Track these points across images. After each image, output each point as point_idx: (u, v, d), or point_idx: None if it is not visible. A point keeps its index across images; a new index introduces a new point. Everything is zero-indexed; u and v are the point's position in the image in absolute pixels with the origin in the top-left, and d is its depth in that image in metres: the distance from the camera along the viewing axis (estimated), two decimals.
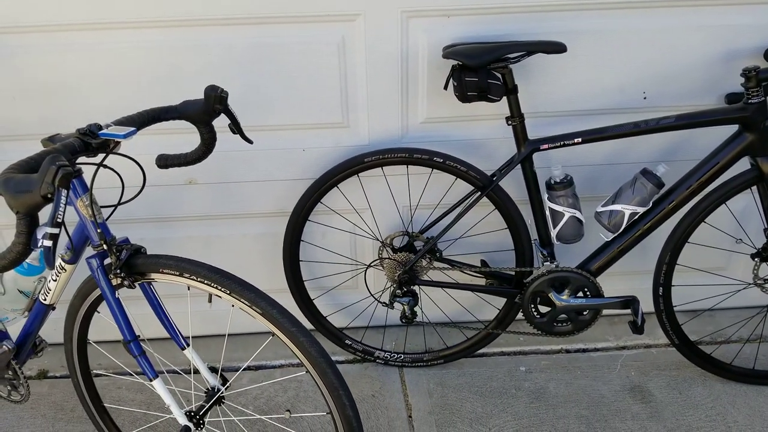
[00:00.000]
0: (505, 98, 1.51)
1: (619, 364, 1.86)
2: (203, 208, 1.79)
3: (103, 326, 1.41)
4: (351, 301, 1.98)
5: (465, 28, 1.56)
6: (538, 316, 1.67)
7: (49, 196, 0.83)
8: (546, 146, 1.53)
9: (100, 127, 1.02)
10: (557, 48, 1.46)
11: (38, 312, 1.36)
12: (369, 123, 1.68)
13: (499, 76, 1.48)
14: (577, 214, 1.58)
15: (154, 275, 1.14)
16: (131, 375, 1.79)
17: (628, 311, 1.64)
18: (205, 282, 1.11)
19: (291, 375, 1.84)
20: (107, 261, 1.14)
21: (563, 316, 1.65)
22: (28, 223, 0.84)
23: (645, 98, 1.68)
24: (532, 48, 1.46)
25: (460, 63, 1.48)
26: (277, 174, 1.74)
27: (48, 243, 0.84)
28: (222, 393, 1.28)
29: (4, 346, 1.38)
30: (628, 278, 1.96)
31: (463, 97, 1.50)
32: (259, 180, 1.75)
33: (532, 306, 1.66)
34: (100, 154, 1.04)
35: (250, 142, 1.28)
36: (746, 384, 1.76)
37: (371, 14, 1.53)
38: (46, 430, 1.68)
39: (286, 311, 1.11)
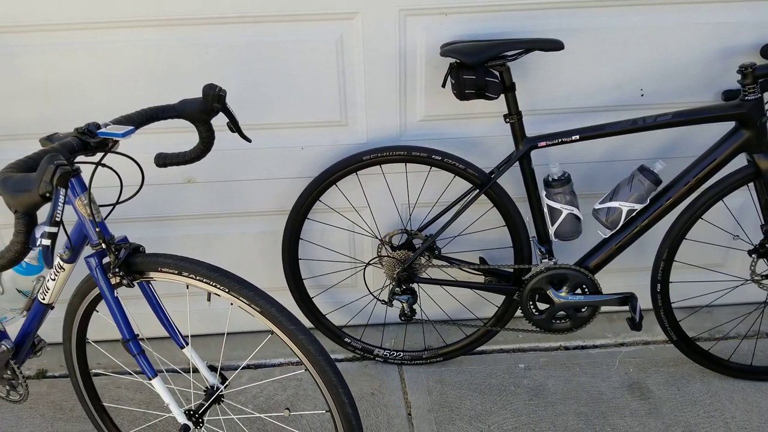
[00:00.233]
0: (502, 96, 1.52)
1: (617, 360, 1.87)
2: (202, 206, 1.79)
3: (102, 325, 1.41)
4: (350, 299, 1.98)
5: (463, 26, 1.56)
6: (537, 313, 1.67)
7: (48, 195, 0.83)
8: (544, 144, 1.53)
9: (98, 126, 1.02)
10: (554, 45, 1.46)
11: (37, 311, 1.36)
12: (367, 121, 1.68)
13: (497, 73, 1.49)
14: (575, 211, 1.58)
15: (152, 274, 1.14)
16: (130, 374, 1.79)
17: (627, 308, 1.65)
18: (204, 280, 1.11)
19: (290, 373, 1.84)
20: (106, 260, 1.14)
21: (562, 313, 1.66)
22: (27, 222, 0.84)
23: (642, 95, 1.69)
24: (529, 46, 1.46)
25: (458, 61, 1.48)
26: (276, 172, 1.74)
27: (46, 242, 0.84)
28: (221, 391, 1.29)
29: (2, 346, 1.38)
30: (626, 275, 1.97)
31: (461, 94, 1.50)
32: (257, 178, 1.75)
33: (531, 303, 1.66)
34: (98, 153, 1.04)
35: (248, 140, 1.28)
36: (744, 380, 1.76)
37: (369, 13, 1.53)
38: (45, 430, 1.68)
39: (285, 309, 1.12)
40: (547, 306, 1.66)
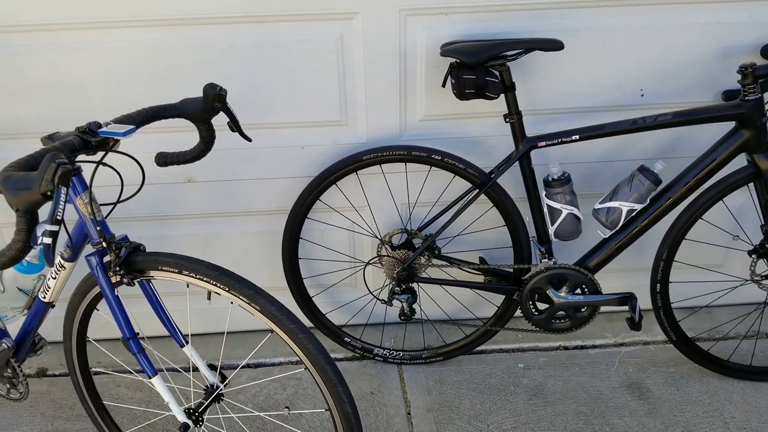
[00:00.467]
0: (502, 96, 1.52)
1: (616, 360, 1.87)
2: (202, 206, 1.79)
3: (102, 324, 1.41)
4: (350, 298, 1.98)
5: (463, 26, 1.56)
6: (537, 313, 1.67)
7: (49, 193, 0.83)
8: (544, 143, 1.53)
9: (99, 125, 1.02)
10: (554, 45, 1.46)
11: (37, 310, 1.37)
12: (367, 121, 1.68)
13: (497, 73, 1.49)
14: (575, 211, 1.58)
15: (153, 272, 1.15)
16: (130, 373, 1.79)
17: (626, 308, 1.65)
18: (204, 279, 1.11)
19: (290, 372, 1.85)
20: (106, 258, 1.14)
21: (561, 312, 1.66)
22: (28, 220, 0.84)
23: (642, 95, 1.69)
24: (529, 45, 1.46)
25: (458, 61, 1.48)
26: (276, 172, 1.74)
27: (47, 240, 0.84)
28: (221, 390, 1.29)
29: (3, 344, 1.38)
30: (626, 275, 1.97)
31: (461, 94, 1.51)
32: (258, 178, 1.75)
33: (531, 303, 1.66)
34: (99, 152, 1.04)
35: (249, 140, 1.28)
36: (743, 380, 1.77)
37: (370, 12, 1.53)
38: (45, 428, 1.68)
39: (285, 308, 1.12)
40: (547, 306, 1.67)
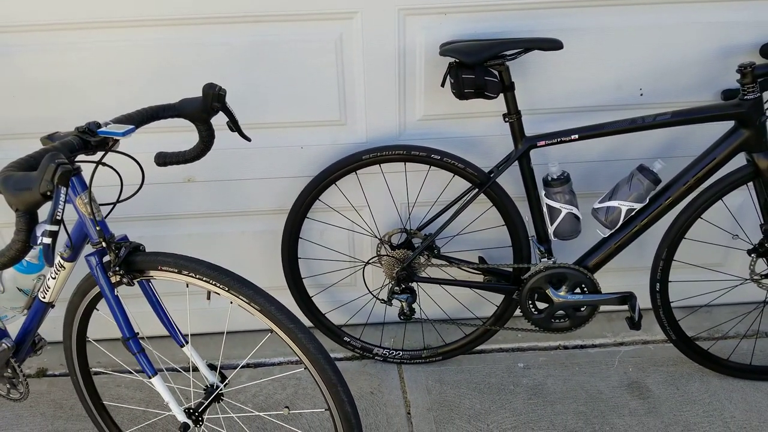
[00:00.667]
0: (502, 95, 1.52)
1: (616, 360, 1.87)
2: (202, 205, 1.79)
3: (102, 324, 1.41)
4: (349, 298, 1.98)
5: (462, 26, 1.56)
6: (536, 313, 1.68)
7: (49, 193, 0.83)
8: (543, 143, 1.53)
9: (99, 125, 1.02)
10: (554, 45, 1.46)
11: (37, 310, 1.37)
12: (366, 120, 1.69)
13: (496, 73, 1.49)
14: (575, 211, 1.58)
15: (152, 272, 1.15)
16: (130, 373, 1.79)
17: (626, 307, 1.65)
18: (204, 279, 1.11)
19: (290, 372, 1.85)
20: (106, 258, 1.14)
21: (561, 312, 1.66)
22: (28, 220, 0.84)
23: (641, 95, 1.69)
24: (528, 45, 1.46)
25: (457, 60, 1.48)
26: (276, 172, 1.74)
27: (47, 240, 0.84)
28: (221, 390, 1.29)
29: (3, 344, 1.38)
30: (626, 274, 1.97)
31: (460, 94, 1.51)
32: (257, 178, 1.75)
33: (530, 302, 1.66)
34: (99, 152, 1.04)
35: (248, 139, 1.28)
36: (743, 379, 1.77)
37: (368, 12, 1.54)
38: (45, 428, 1.68)
39: (285, 308, 1.12)
40: (547, 305, 1.67)
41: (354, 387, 1.78)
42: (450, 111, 1.68)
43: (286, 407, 1.39)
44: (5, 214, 1.74)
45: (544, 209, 1.62)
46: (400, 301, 1.71)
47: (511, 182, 1.73)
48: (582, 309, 1.66)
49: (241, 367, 1.87)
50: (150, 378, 1.20)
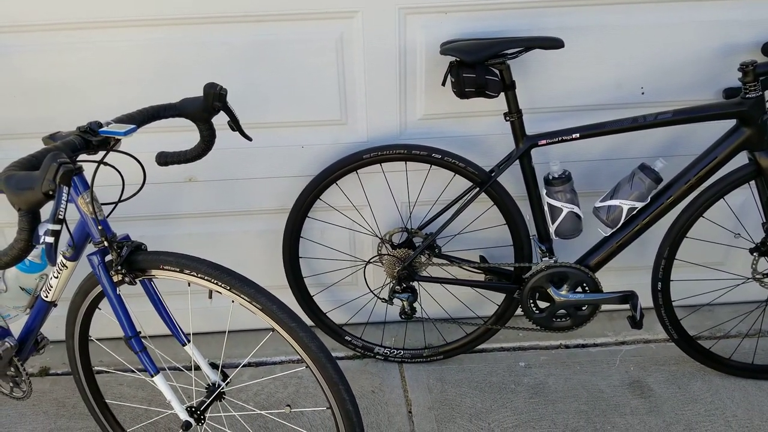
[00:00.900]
0: (502, 94, 1.52)
1: (618, 359, 1.87)
2: (203, 205, 1.80)
3: (104, 323, 1.42)
4: (350, 297, 1.99)
5: (462, 25, 1.56)
6: (537, 312, 1.68)
7: (51, 193, 0.84)
8: (544, 142, 1.53)
9: (100, 125, 1.03)
10: (555, 44, 1.46)
11: (40, 309, 1.37)
12: (367, 120, 1.69)
13: (497, 72, 1.49)
14: (576, 210, 1.58)
15: (154, 272, 1.15)
16: (133, 371, 1.80)
17: (627, 306, 1.65)
18: (206, 278, 1.12)
19: (291, 371, 1.85)
20: (108, 258, 1.15)
21: (562, 311, 1.66)
22: (30, 220, 0.85)
23: (643, 93, 1.69)
24: (529, 44, 1.46)
25: (458, 59, 1.48)
26: (277, 171, 1.75)
27: (50, 239, 0.85)
28: (223, 389, 1.29)
29: (6, 343, 1.39)
30: (627, 273, 1.97)
31: (461, 93, 1.51)
32: (258, 177, 1.75)
33: (531, 301, 1.66)
34: (100, 152, 1.04)
35: (249, 139, 1.28)
36: (745, 378, 1.76)
37: (369, 11, 1.54)
38: (47, 427, 1.69)
39: (286, 307, 1.12)
40: (548, 304, 1.67)
41: (355, 386, 1.78)
42: (451, 110, 1.68)
43: (288, 406, 1.39)
44: (7, 213, 1.74)
45: (546, 208, 1.61)
46: (401, 300, 1.71)
47: (512, 181, 1.73)
48: (583, 308, 1.66)
49: (243, 366, 1.87)
50: (152, 377, 1.20)
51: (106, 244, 1.13)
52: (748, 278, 1.67)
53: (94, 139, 1.01)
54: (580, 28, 1.58)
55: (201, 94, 1.18)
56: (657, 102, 1.70)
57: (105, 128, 1.03)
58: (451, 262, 1.72)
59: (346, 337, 1.88)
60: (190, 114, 1.18)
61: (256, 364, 1.91)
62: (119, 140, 1.05)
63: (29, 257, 1.35)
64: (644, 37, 1.60)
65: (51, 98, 1.60)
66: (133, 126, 1.03)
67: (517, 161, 1.57)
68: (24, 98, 1.60)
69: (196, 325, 1.97)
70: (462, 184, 1.66)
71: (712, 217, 1.73)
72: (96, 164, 1.05)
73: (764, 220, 1.58)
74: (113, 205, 1.13)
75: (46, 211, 0.83)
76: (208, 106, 1.17)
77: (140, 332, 1.19)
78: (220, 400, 1.31)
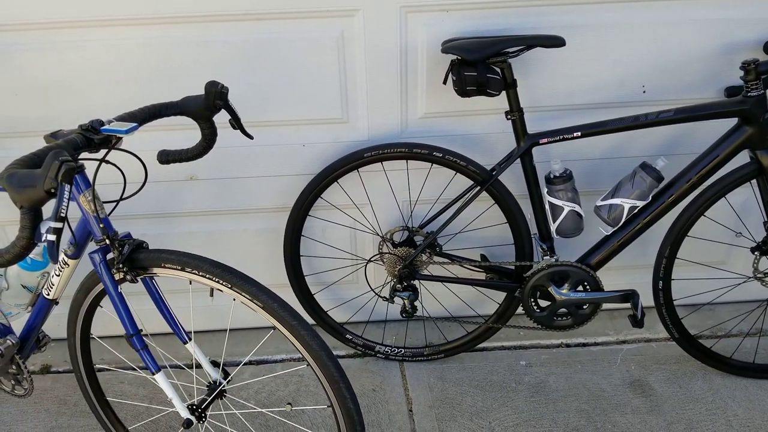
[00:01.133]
0: (504, 93, 1.52)
1: (619, 358, 1.87)
2: (204, 203, 1.80)
3: (106, 321, 1.42)
4: (351, 295, 1.99)
5: (464, 23, 1.56)
6: (538, 310, 1.68)
7: (53, 191, 0.84)
8: (545, 140, 1.53)
9: (102, 123, 1.03)
10: (556, 42, 1.46)
11: (41, 307, 1.38)
12: (368, 118, 1.69)
13: (498, 70, 1.49)
14: (577, 208, 1.58)
15: (156, 270, 1.15)
16: (134, 369, 1.80)
17: (628, 305, 1.65)
18: (207, 276, 1.12)
19: (292, 369, 1.85)
20: (110, 256, 1.15)
21: (563, 310, 1.66)
22: (32, 217, 0.85)
23: (644, 92, 1.69)
24: (530, 42, 1.46)
25: (459, 58, 1.48)
26: (278, 169, 1.75)
27: (51, 237, 0.85)
28: (224, 387, 1.29)
29: (8, 341, 1.39)
30: (628, 272, 1.97)
31: (462, 91, 1.51)
32: (259, 175, 1.75)
33: (532, 300, 1.66)
34: (102, 150, 1.04)
35: (250, 137, 1.28)
36: (746, 378, 1.76)
37: (370, 9, 1.54)
38: (49, 424, 1.69)
39: (287, 305, 1.12)
40: (549, 303, 1.67)
41: (356, 384, 1.78)
42: (452, 108, 1.68)
43: (289, 404, 1.39)
44: (9, 211, 1.75)
45: (547, 207, 1.61)
46: (402, 298, 1.71)
47: (513, 180, 1.73)
48: (584, 307, 1.66)
49: (244, 364, 1.87)
50: (153, 374, 1.20)
51: (107, 242, 1.13)
52: (750, 277, 1.67)
53: (95, 137, 1.01)
54: (582, 26, 1.58)
55: (202, 92, 1.18)
56: (658, 100, 1.69)
57: (107, 126, 1.03)
58: (452, 260, 1.72)
59: (347, 336, 1.88)
60: (192, 112, 1.18)
61: (257, 363, 1.91)
62: (121, 138, 1.06)
63: (31, 255, 1.35)
64: (646, 35, 1.60)
65: (52, 96, 1.60)
66: (134, 124, 1.04)
67: (519, 160, 1.57)
68: (25, 96, 1.60)
69: (197, 323, 1.97)
70: (463, 182, 1.66)
71: (714, 215, 1.73)
72: (98, 162, 1.06)
73: (765, 219, 1.58)
74: (115, 203, 1.14)
75: (48, 209, 0.83)
76: (209, 105, 1.17)
77: (141, 330, 1.20)
78: (221, 398, 1.31)
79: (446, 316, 1.99)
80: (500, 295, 1.81)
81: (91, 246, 1.17)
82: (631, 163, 1.71)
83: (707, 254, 1.93)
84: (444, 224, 1.62)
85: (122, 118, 1.08)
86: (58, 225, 0.85)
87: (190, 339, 1.29)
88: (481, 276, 1.77)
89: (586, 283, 1.64)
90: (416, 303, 1.73)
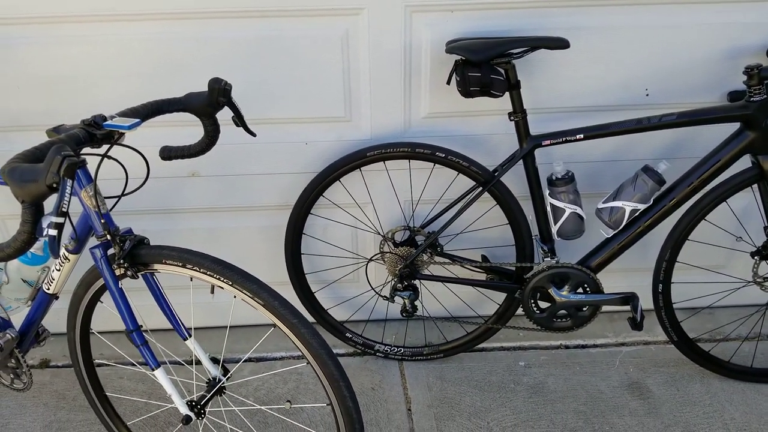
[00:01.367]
0: (507, 94, 1.51)
1: (617, 360, 1.87)
2: (206, 200, 1.80)
3: (106, 316, 1.42)
4: (352, 294, 1.99)
5: (468, 24, 1.56)
6: (538, 312, 1.68)
7: (55, 185, 0.84)
8: (548, 142, 1.53)
9: (104, 118, 1.03)
10: (560, 44, 1.46)
11: (41, 301, 1.38)
12: (371, 117, 1.69)
13: (502, 71, 1.49)
14: (578, 211, 1.58)
15: (157, 266, 1.15)
16: (133, 365, 1.80)
17: (628, 308, 1.65)
18: (208, 273, 1.12)
19: (291, 367, 1.86)
20: (111, 251, 1.15)
21: (563, 311, 1.66)
22: (34, 212, 0.85)
23: (647, 95, 1.69)
24: (535, 44, 1.46)
25: (463, 58, 1.48)
26: (280, 167, 1.75)
27: (53, 232, 0.85)
28: (223, 383, 1.30)
29: (7, 335, 1.39)
30: (628, 275, 1.97)
31: (466, 92, 1.50)
32: (261, 173, 1.75)
33: (532, 301, 1.67)
34: (104, 145, 1.04)
35: (253, 135, 1.28)
36: (744, 382, 1.77)
37: (375, 9, 1.53)
38: (48, 419, 1.69)
39: (288, 303, 1.12)
40: (549, 304, 1.67)
41: (355, 383, 1.79)
42: (455, 109, 1.68)
43: (288, 401, 1.39)
44: (11, 205, 1.75)
45: (548, 208, 1.61)
46: (403, 298, 1.71)
47: (515, 181, 1.73)
48: (584, 309, 1.66)
49: (244, 361, 1.88)
50: (153, 370, 1.20)
51: (108, 237, 1.13)
52: (749, 281, 1.67)
53: (98, 132, 1.01)
54: (586, 28, 1.58)
55: (205, 89, 1.17)
56: (661, 104, 1.69)
57: (109, 122, 1.03)
58: (453, 261, 1.72)
59: (347, 334, 1.88)
60: (195, 109, 1.18)
61: (257, 360, 1.91)
62: (123, 134, 1.05)
63: (31, 249, 1.35)
64: (650, 38, 1.60)
65: (54, 90, 1.60)
66: (137, 120, 1.03)
67: (521, 161, 1.57)
68: (28, 90, 1.60)
69: (197, 319, 1.97)
70: (465, 183, 1.66)
71: (714, 220, 1.73)
72: (100, 158, 1.05)
73: (766, 224, 1.58)
74: (116, 199, 1.13)
75: (49, 203, 0.83)
76: (212, 101, 1.17)
77: (142, 326, 1.20)
78: (221, 395, 1.31)
79: (446, 316, 1.99)
80: (500, 296, 1.81)
81: (92, 241, 1.17)
82: (633, 166, 1.71)
83: (707, 258, 1.93)
84: (445, 224, 1.62)
85: (125, 114, 1.07)
86: (60, 220, 0.85)
87: (190, 335, 1.29)
88: (482, 276, 1.77)
89: (586, 285, 1.64)
90: (416, 303, 1.73)
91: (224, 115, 1.23)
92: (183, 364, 1.76)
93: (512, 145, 1.62)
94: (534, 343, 1.95)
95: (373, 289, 1.82)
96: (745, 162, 1.52)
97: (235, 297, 1.13)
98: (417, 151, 1.62)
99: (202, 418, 1.27)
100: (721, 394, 1.72)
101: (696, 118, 1.48)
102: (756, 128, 1.46)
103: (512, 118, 1.54)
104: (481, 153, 1.73)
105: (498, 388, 1.77)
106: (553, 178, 1.57)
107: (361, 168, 1.69)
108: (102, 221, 1.11)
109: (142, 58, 1.56)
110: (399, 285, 1.70)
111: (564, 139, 1.52)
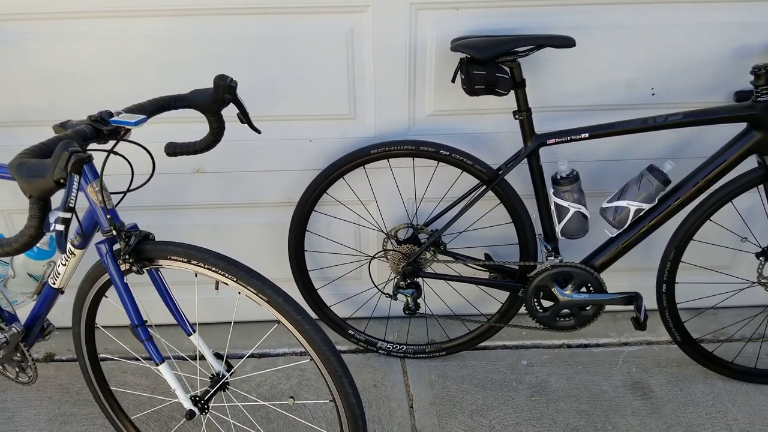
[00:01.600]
0: (512, 92, 1.51)
1: (620, 359, 1.87)
2: (210, 196, 1.81)
3: (110, 311, 1.43)
4: (355, 291, 1.99)
5: (474, 21, 1.55)
6: (541, 311, 1.68)
7: (62, 181, 0.84)
8: (553, 141, 1.53)
9: (111, 115, 1.03)
10: (566, 42, 1.45)
11: (47, 296, 1.39)
12: (376, 115, 1.69)
13: (507, 69, 1.48)
14: (583, 210, 1.58)
15: (162, 261, 1.16)
16: (138, 360, 1.81)
17: (631, 307, 1.65)
18: (213, 269, 1.12)
19: (294, 363, 1.86)
20: (116, 247, 1.15)
21: (566, 311, 1.66)
22: (41, 207, 0.85)
23: (653, 94, 1.68)
24: (540, 42, 1.45)
25: (468, 56, 1.47)
26: (284, 164, 1.75)
27: (60, 227, 0.85)
28: (226, 379, 1.30)
29: (13, 329, 1.40)
30: (632, 275, 1.96)
31: (471, 90, 1.50)
32: (266, 170, 1.76)
33: (535, 300, 1.66)
34: (110, 141, 1.05)
35: (258, 131, 1.28)
36: (747, 383, 1.76)
37: (380, 6, 1.53)
38: (52, 412, 1.71)
39: (292, 299, 1.13)
40: (552, 303, 1.67)
41: (357, 380, 1.79)
42: (460, 107, 1.68)
43: (291, 397, 1.40)
44: (16, 200, 1.76)
45: (552, 207, 1.61)
46: (405, 295, 1.71)
47: (519, 180, 1.72)
48: (587, 308, 1.66)
49: (247, 357, 1.88)
50: (157, 365, 1.21)
51: (114, 233, 1.13)
52: (754, 282, 1.67)
53: (104, 128, 1.02)
54: (592, 27, 1.57)
55: (209, 85, 1.18)
56: (667, 103, 1.69)
57: (115, 118, 1.03)
58: (456, 259, 1.72)
59: (350, 331, 1.89)
60: (200, 105, 1.18)
61: (260, 356, 1.92)
62: (129, 130, 1.06)
63: (38, 244, 1.36)
64: (656, 37, 1.59)
65: (59, 86, 1.60)
66: (143, 116, 1.04)
67: (525, 160, 1.57)
68: (33, 86, 1.60)
69: (201, 315, 1.98)
70: (469, 181, 1.66)
71: (719, 220, 1.72)
72: (106, 153, 1.06)
73: None
74: (122, 195, 1.14)
75: (56, 199, 0.84)
76: (218, 98, 1.17)
77: (146, 321, 1.20)
78: (224, 390, 1.32)
79: (449, 314, 1.99)
80: (503, 295, 1.81)
81: (98, 236, 1.17)
82: (638, 165, 1.70)
83: (712, 258, 1.92)
84: (449, 222, 1.62)
85: (131, 110, 1.08)
86: (67, 215, 0.86)
87: (195, 331, 1.30)
88: (485, 275, 1.77)
89: (589, 285, 1.64)
90: (419, 300, 1.73)
91: (229, 112, 1.23)
92: (187, 360, 1.77)
93: (517, 143, 1.62)
94: (536, 341, 1.95)
95: (376, 286, 1.82)
96: (751, 162, 1.52)
97: (239, 293, 1.14)
98: (421, 149, 1.62)
99: (206, 413, 1.27)
100: (724, 395, 1.72)
101: (702, 118, 1.47)
102: (763, 128, 1.45)
103: (517, 116, 1.54)
104: (485, 151, 1.73)
105: (500, 387, 1.77)
106: (558, 176, 1.57)
107: (365, 165, 1.69)
108: (108, 217, 1.12)
109: (145, 55, 1.57)
110: (402, 282, 1.70)
111: (569, 137, 1.52)
